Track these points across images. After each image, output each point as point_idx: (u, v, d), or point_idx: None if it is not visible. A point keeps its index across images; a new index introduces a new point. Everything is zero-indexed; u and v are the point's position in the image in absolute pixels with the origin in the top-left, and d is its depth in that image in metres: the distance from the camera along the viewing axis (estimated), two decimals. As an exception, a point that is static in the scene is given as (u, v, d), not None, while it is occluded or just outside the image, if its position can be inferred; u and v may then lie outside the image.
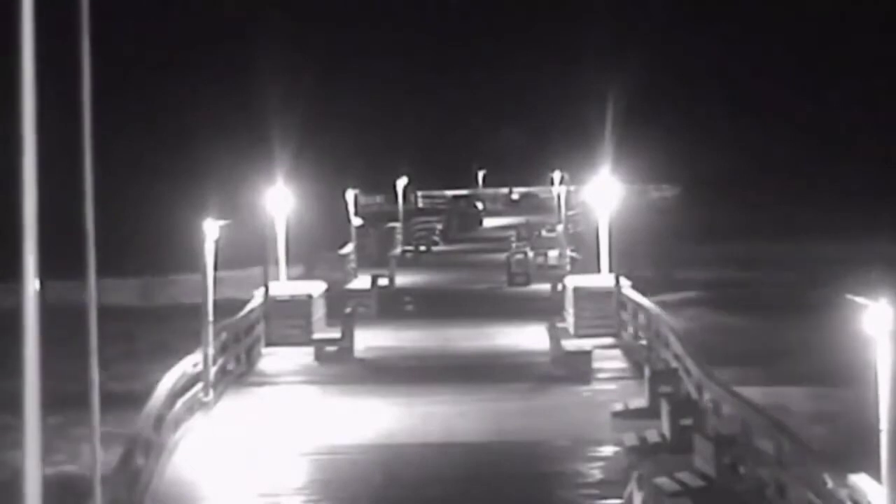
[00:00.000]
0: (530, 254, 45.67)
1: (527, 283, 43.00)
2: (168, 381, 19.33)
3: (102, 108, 10.29)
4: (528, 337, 29.66)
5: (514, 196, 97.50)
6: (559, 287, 34.65)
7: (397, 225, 60.61)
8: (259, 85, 65.58)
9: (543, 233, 58.85)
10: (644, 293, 28.74)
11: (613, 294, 29.82)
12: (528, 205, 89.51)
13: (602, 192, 31.97)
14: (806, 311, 33.79)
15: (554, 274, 41.00)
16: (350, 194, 49.64)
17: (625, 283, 30.05)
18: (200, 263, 21.55)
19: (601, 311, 29.92)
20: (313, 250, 44.63)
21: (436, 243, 62.38)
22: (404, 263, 51.67)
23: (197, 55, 75.52)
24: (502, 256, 47.45)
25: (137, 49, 72.76)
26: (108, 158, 14.00)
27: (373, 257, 49.45)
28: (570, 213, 62.27)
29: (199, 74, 73.28)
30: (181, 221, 23.50)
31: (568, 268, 44.42)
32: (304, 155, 48.06)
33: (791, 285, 42.10)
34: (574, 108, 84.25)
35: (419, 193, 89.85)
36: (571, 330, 30.18)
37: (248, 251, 32.51)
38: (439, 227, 67.39)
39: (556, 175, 67.61)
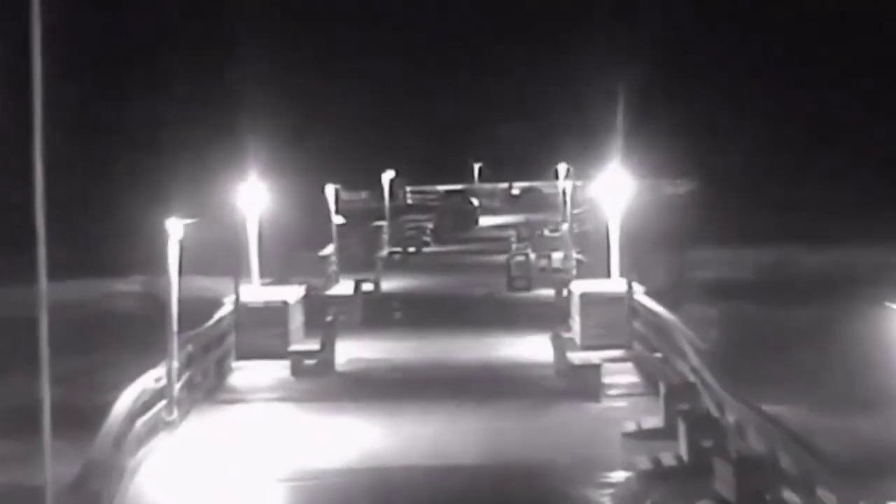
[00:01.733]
0: (532, 256, 45.72)
1: (528, 288, 43.05)
2: (127, 399, 19.28)
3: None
4: (530, 348, 29.67)
5: (515, 191, 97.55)
6: (564, 293, 34.66)
7: (383, 223, 60.61)
8: (233, 74, 66.31)
9: (546, 232, 58.88)
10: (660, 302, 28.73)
11: (624, 300, 29.81)
12: (529, 201, 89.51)
13: (612, 188, 31.96)
14: (835, 321, 33.71)
15: (558, 278, 41.03)
16: (330, 189, 49.57)
17: (637, 289, 30.04)
18: (163, 266, 21.55)
19: (611, 320, 29.90)
20: (290, 252, 44.58)
21: (426, 244, 62.42)
22: (391, 266, 51.69)
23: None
24: (501, 259, 47.50)
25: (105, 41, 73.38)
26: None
27: (356, 259, 49.43)
28: (577, 210, 62.31)
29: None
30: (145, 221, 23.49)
31: (574, 271, 44.42)
32: (281, 147, 48.12)
33: (817, 293, 42.02)
34: (580, 95, 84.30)
35: (408, 188, 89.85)
36: (578, 340, 30.18)
37: (216, 253, 32.52)
38: (430, 225, 67.43)
39: (561, 168, 67.65)
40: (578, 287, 31.87)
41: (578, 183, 65.61)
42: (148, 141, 65.65)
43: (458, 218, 75.21)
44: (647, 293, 29.91)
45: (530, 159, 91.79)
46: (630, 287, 30.04)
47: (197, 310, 27.93)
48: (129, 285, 42.68)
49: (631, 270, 30.91)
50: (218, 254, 32.88)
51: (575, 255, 47.46)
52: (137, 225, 26.18)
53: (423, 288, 46.55)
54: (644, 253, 37.71)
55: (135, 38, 74.30)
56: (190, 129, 63.72)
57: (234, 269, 30.27)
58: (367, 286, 40.12)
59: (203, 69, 71.41)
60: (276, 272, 37.49)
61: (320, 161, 64.37)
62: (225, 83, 66.74)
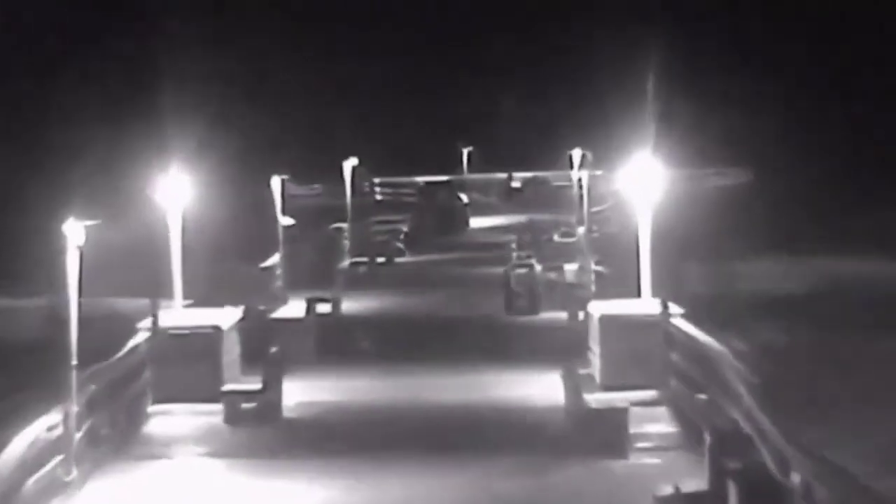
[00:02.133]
0: (538, 267, 45.71)
1: (533, 309, 43.08)
2: (13, 452, 19.23)
3: None
4: (535, 388, 29.75)
5: (516, 183, 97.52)
6: (580, 315, 34.69)
7: (344, 226, 60.63)
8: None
9: (557, 237, 58.93)
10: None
11: (658, 326, 29.83)
12: (534, 196, 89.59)
13: (641, 180, 32.00)
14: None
15: (572, 296, 41.08)
16: (276, 182, 49.50)
17: (675, 310, 30.06)
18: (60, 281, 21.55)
19: (640, 351, 29.91)
20: (223, 263, 44.61)
21: (400, 252, 62.41)
22: (355, 281, 51.72)
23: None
24: (498, 271, 47.54)
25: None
26: None
27: (309, 272, 49.42)
28: (596, 208, 62.38)
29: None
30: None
31: (592, 287, 44.47)
32: (215, 133, 48.34)
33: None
34: (602, 64, 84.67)
35: (376, 180, 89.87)
36: (598, 377, 30.21)
37: (129, 264, 32.56)
38: (405, 228, 67.37)
39: (576, 154, 67.67)
40: (598, 308, 31.88)
41: (598, 173, 65.60)
42: (54, 133, 66.44)
43: (441, 218, 75.26)
44: (688, 316, 29.91)
45: (536, 143, 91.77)
46: (665, 308, 30.05)
47: (104, 336, 27.96)
48: (24, 302, 42.78)
49: (666, 285, 30.95)
50: (131, 265, 32.89)
51: (594, 267, 47.44)
52: (36, 229, 26.23)
53: (396, 309, 46.56)
54: (682, 262, 37.78)
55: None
56: (103, 117, 64.65)
57: (151, 284, 30.22)
58: (324, 307, 40.10)
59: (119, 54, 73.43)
60: (205, 289, 37.55)
61: (266, 149, 64.73)
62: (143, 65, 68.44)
